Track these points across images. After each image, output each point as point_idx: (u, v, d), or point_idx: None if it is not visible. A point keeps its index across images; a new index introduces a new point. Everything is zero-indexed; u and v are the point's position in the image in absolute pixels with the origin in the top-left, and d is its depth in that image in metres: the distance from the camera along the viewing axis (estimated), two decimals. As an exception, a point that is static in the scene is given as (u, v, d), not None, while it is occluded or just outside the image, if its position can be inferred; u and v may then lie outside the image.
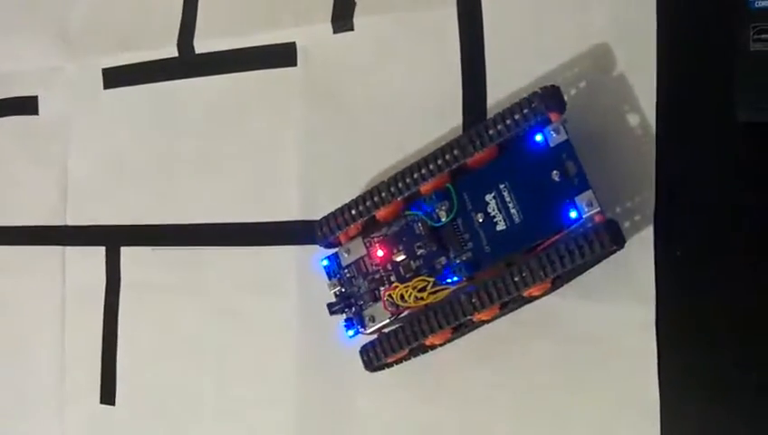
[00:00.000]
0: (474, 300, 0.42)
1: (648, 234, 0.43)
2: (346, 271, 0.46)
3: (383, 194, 0.44)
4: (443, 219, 0.43)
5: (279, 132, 0.54)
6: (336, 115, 0.52)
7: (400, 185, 0.44)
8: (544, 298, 0.44)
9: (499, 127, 0.42)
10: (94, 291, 0.60)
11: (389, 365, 0.47)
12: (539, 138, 0.41)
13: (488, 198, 0.43)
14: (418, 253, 0.44)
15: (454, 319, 0.42)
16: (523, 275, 0.40)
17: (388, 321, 0.45)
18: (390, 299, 0.44)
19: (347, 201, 0.46)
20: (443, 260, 0.44)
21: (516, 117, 0.41)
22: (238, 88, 0.55)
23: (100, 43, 0.61)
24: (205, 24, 0.57)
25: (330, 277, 0.47)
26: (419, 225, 0.44)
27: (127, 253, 0.59)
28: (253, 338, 0.54)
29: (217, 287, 0.55)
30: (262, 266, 0.53)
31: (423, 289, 0.44)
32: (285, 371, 0.52)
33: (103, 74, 0.61)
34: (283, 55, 0.54)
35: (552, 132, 0.41)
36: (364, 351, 0.46)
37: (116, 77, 0.60)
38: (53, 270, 0.62)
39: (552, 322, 0.45)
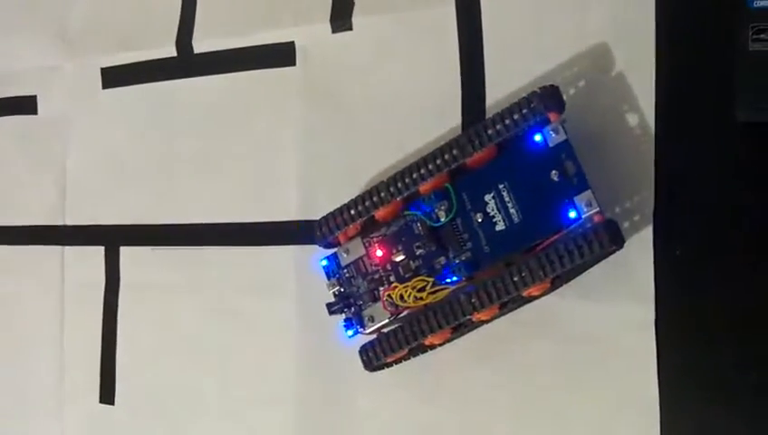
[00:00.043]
0: (473, 300, 0.42)
1: (647, 234, 0.43)
2: (345, 271, 0.46)
3: (382, 194, 0.44)
4: (442, 219, 0.43)
5: (278, 132, 0.54)
6: (335, 115, 0.52)
7: (399, 185, 0.44)
8: (544, 298, 0.44)
9: (498, 127, 0.42)
10: (93, 291, 0.60)
11: (389, 365, 0.47)
12: (538, 138, 0.41)
13: (487, 197, 0.43)
14: (418, 253, 0.44)
15: (453, 319, 0.42)
16: (523, 274, 0.40)
17: (387, 321, 0.45)
18: (390, 299, 0.44)
19: (346, 201, 0.46)
20: (442, 260, 0.44)
21: (515, 117, 0.41)
22: (237, 88, 0.55)
23: (98, 43, 0.61)
24: (203, 24, 0.57)
25: (329, 277, 0.47)
26: (418, 225, 0.44)
27: (126, 253, 0.59)
28: (252, 338, 0.54)
29: (216, 287, 0.55)
30: (261, 266, 0.53)
31: (422, 289, 0.44)
32: (285, 370, 0.52)
33: (102, 74, 0.61)
34: (281, 55, 0.54)
35: (551, 132, 0.41)
36: (363, 350, 0.46)
37: (115, 77, 0.60)
38: (52, 270, 0.62)
39: (551, 322, 0.45)
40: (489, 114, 0.44)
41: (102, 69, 0.61)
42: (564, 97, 0.42)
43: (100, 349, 0.60)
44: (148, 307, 0.58)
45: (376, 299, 0.45)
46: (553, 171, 0.41)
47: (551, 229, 0.41)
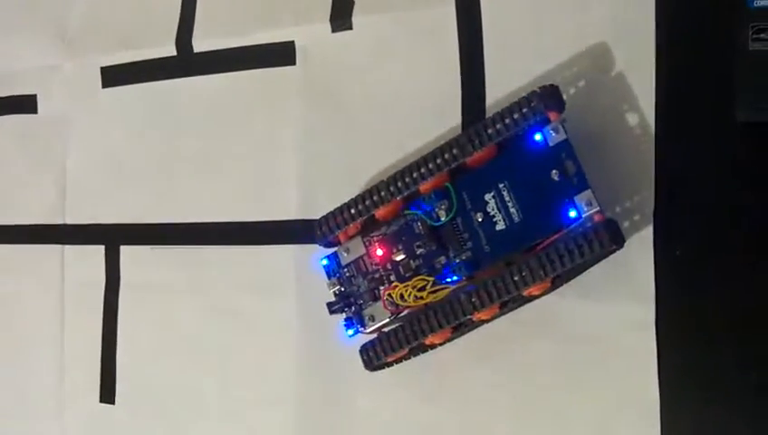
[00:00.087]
0: (473, 299, 0.42)
1: (647, 233, 0.43)
2: (345, 270, 0.46)
3: (382, 193, 0.44)
4: (442, 218, 0.43)
5: (278, 131, 0.54)
6: (335, 114, 0.52)
7: (399, 184, 0.44)
8: (544, 298, 0.44)
9: (498, 126, 0.42)
10: (94, 290, 0.60)
11: (389, 364, 0.47)
12: (538, 137, 0.41)
13: (487, 197, 0.43)
14: (418, 252, 0.44)
15: (453, 318, 0.42)
16: (523, 274, 0.40)
17: (387, 320, 0.45)
18: (390, 298, 0.44)
19: (346, 200, 0.46)
20: (442, 259, 0.44)
21: (515, 116, 0.41)
22: (237, 87, 0.55)
23: (98, 42, 0.61)
24: (203, 23, 0.57)
25: (329, 276, 0.47)
26: (419, 224, 0.44)
27: (126, 252, 0.59)
28: (252, 337, 0.54)
29: (217, 286, 0.55)
30: (261, 266, 0.53)
31: (423, 288, 0.44)
32: (285, 370, 0.52)
33: (102, 73, 0.61)
34: (281, 54, 0.54)
35: (551, 132, 0.41)
36: (364, 350, 0.46)
37: (114, 76, 0.60)
38: (53, 269, 0.62)
39: (551, 321, 0.45)
40: (489, 114, 0.44)
41: (102, 68, 0.61)
42: (564, 97, 0.42)
43: (100, 348, 0.60)
44: (149, 306, 0.58)
45: (376, 298, 0.45)
46: (553, 171, 0.41)
47: (551, 229, 0.41)
